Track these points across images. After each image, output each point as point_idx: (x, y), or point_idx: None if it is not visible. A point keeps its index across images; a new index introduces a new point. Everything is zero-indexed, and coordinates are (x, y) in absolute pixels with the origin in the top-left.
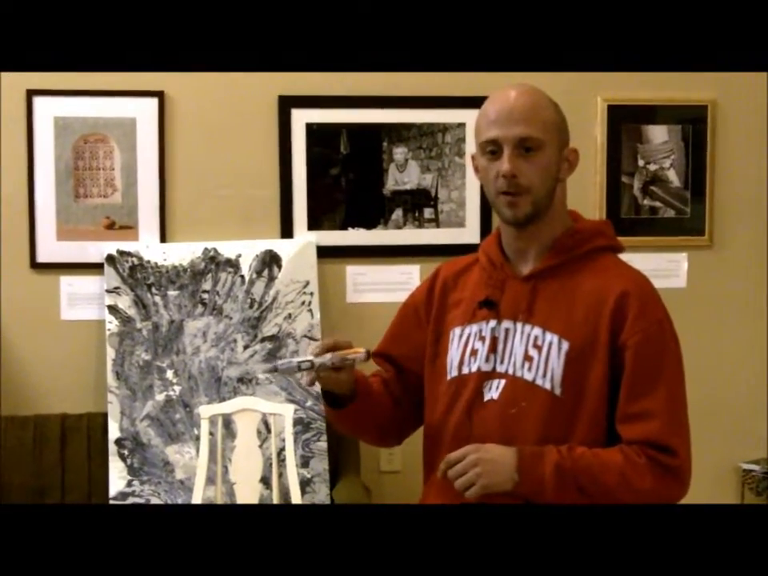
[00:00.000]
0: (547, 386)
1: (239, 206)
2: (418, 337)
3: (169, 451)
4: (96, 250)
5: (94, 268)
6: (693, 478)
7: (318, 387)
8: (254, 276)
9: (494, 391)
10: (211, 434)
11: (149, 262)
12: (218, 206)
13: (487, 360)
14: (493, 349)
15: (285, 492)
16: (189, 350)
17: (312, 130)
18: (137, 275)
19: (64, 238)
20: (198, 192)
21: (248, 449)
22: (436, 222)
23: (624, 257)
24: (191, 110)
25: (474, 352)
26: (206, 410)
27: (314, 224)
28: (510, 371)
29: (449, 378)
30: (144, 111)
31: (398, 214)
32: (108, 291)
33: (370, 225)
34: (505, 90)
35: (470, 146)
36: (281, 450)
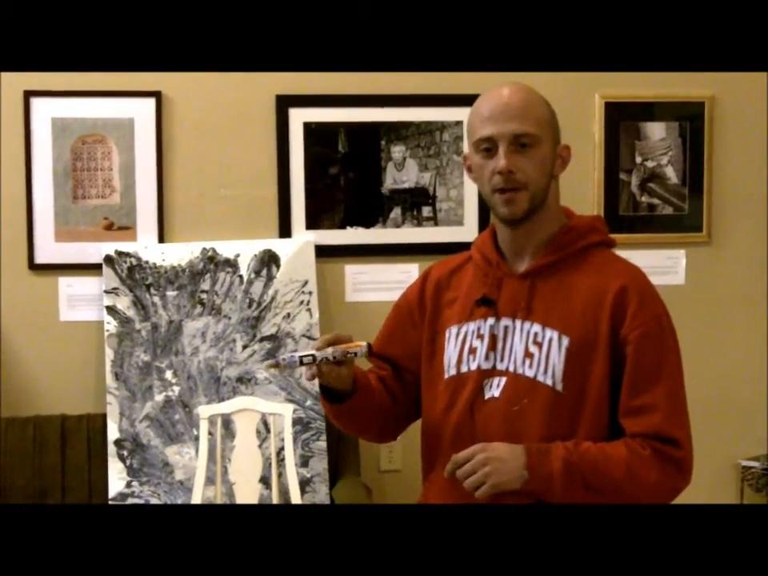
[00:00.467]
0: (549, 382)
1: (237, 206)
2: (412, 337)
3: (168, 452)
4: (94, 251)
5: (93, 269)
6: (693, 474)
7: (317, 388)
8: (253, 276)
9: (494, 389)
10: (210, 434)
11: (147, 262)
12: (217, 205)
13: (487, 358)
14: (492, 347)
15: (284, 492)
16: (188, 351)
17: (310, 129)
18: (135, 276)
19: (62, 239)
20: (197, 192)
21: (247, 449)
22: (434, 220)
23: (622, 254)
24: (189, 110)
25: (472, 350)
26: (205, 410)
27: (312, 223)
28: (511, 369)
29: (446, 376)
30: (142, 112)
31: (396, 212)
32: (107, 292)
33: (368, 224)
34: (497, 88)
35: (467, 143)
36: (280, 450)
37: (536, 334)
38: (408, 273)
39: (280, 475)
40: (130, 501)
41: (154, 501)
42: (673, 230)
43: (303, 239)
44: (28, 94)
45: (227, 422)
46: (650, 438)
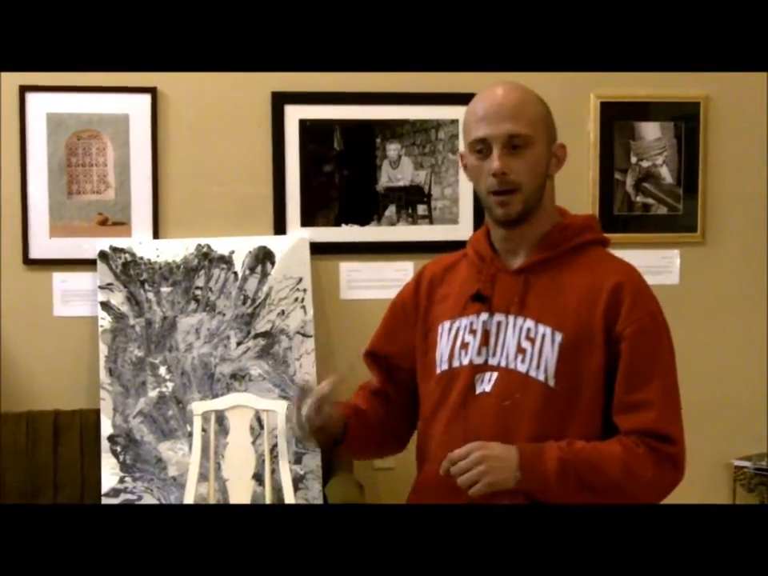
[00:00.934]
0: (541, 377)
1: (232, 203)
2: (406, 335)
3: (161, 448)
4: (89, 247)
5: (87, 264)
6: (686, 474)
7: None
8: (248, 272)
9: (486, 384)
10: (204, 430)
11: (142, 258)
12: (211, 202)
13: (479, 353)
14: (485, 342)
15: (277, 489)
16: (182, 347)
17: (305, 126)
18: (130, 271)
19: (57, 235)
20: (191, 188)
21: (241, 445)
22: (429, 218)
23: (617, 253)
24: (184, 106)
25: (464, 345)
26: (198, 407)
27: (307, 220)
28: (503, 364)
29: (438, 371)
30: (137, 107)
31: (391, 210)
32: (101, 288)
33: (363, 221)
34: (491, 88)
35: (463, 143)
36: (273, 447)
37: (529, 330)
38: (403, 271)
39: (273, 472)
40: (123, 496)
41: (146, 497)
42: (667, 229)
43: (298, 236)
44: (23, 89)
45: (221, 418)
46: (644, 435)
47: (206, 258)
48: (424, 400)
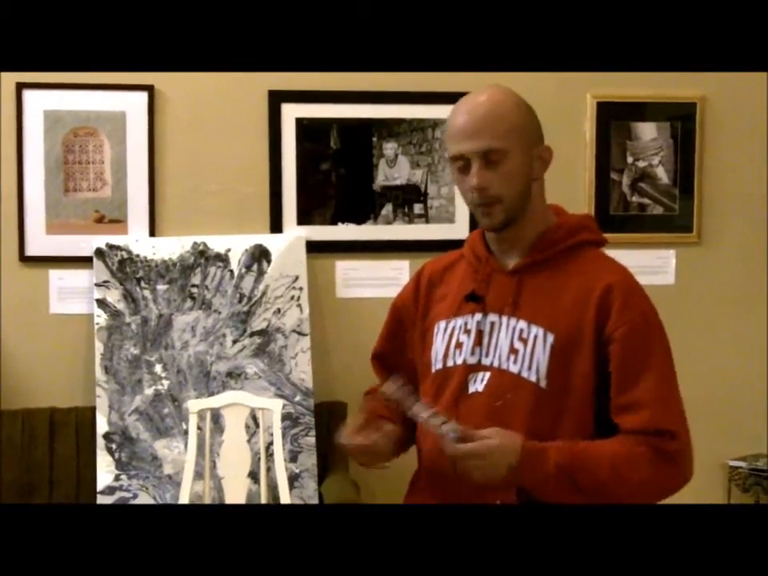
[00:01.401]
0: (533, 378)
1: (229, 201)
2: (407, 335)
3: (157, 446)
4: (85, 244)
5: (84, 262)
6: None
7: (307, 383)
8: (244, 270)
9: (479, 383)
10: (200, 428)
11: (138, 255)
12: (208, 200)
13: (472, 353)
14: (478, 342)
15: (273, 487)
16: (178, 345)
17: (302, 125)
18: (126, 269)
19: (53, 232)
20: (188, 186)
21: (236, 443)
22: (426, 217)
23: (612, 253)
24: (181, 104)
25: (459, 345)
26: (194, 405)
27: (303, 219)
28: (496, 364)
29: (434, 370)
30: (134, 105)
31: (387, 209)
32: (97, 285)
33: (359, 220)
34: (467, 99)
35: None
36: (269, 445)
37: (522, 330)
38: (399, 270)
39: (269, 470)
40: (118, 494)
41: (142, 495)
42: (663, 230)
43: (294, 235)
44: (20, 86)
45: (216, 416)
46: (646, 433)
47: (203, 256)
48: (422, 398)
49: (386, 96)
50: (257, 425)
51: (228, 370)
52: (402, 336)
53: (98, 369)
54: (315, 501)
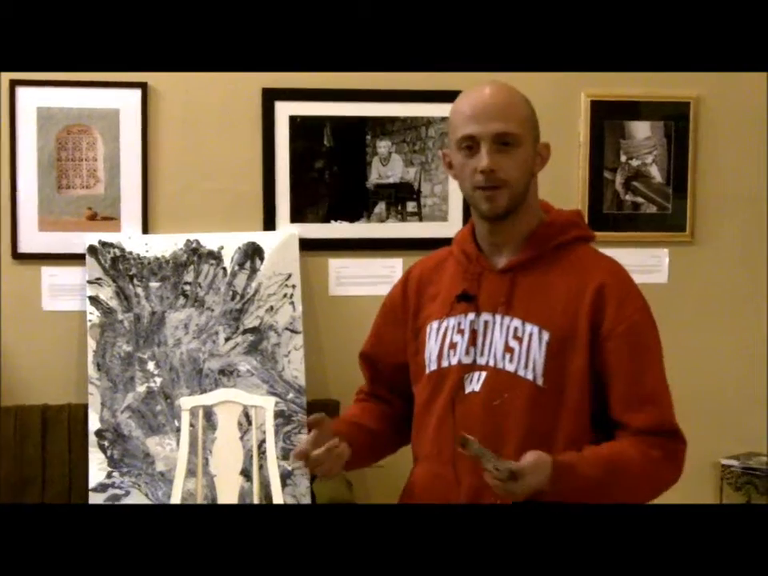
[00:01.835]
0: (529, 376)
1: (222, 198)
2: (397, 335)
3: (149, 443)
4: (78, 241)
5: (76, 259)
6: None
7: (300, 381)
8: (237, 268)
9: (475, 383)
10: (192, 425)
11: (131, 253)
12: (201, 197)
13: (467, 353)
14: (473, 341)
15: (265, 485)
16: (170, 342)
17: (296, 122)
18: (119, 266)
19: (46, 229)
20: (181, 183)
21: (229, 441)
22: (419, 215)
23: (606, 252)
24: (175, 101)
25: (452, 345)
26: (186, 402)
27: (297, 216)
28: (491, 363)
29: (428, 371)
30: (127, 102)
31: (381, 207)
32: (90, 282)
33: (353, 218)
34: (478, 87)
35: (450, 140)
36: (261, 443)
37: (516, 329)
38: (391, 268)
39: (261, 468)
40: (111, 491)
41: (134, 492)
42: (656, 228)
43: (287, 232)
44: (14, 83)
45: (209, 413)
46: (658, 433)
47: (195, 254)
48: (416, 399)
49: (379, 94)
50: (249, 422)
51: (221, 368)
52: (391, 336)
53: (90, 366)
54: (308, 499)
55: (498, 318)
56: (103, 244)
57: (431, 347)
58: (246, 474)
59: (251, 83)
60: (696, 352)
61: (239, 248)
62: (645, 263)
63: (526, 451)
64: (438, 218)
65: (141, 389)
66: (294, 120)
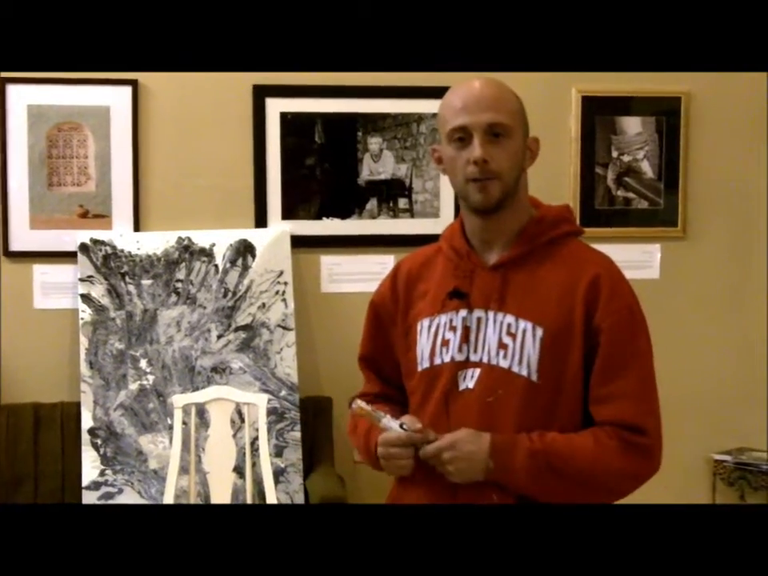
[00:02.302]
0: (524, 372)
1: (213, 195)
2: (388, 334)
3: (142, 441)
4: (69, 239)
5: (68, 257)
6: (666, 469)
7: (293, 378)
8: (228, 265)
9: (469, 380)
10: (185, 423)
11: (122, 250)
12: (192, 195)
13: (460, 350)
14: (465, 338)
15: (258, 482)
16: (162, 340)
17: (287, 119)
18: (110, 264)
19: (37, 227)
20: (173, 181)
21: (222, 438)
22: (411, 212)
23: (598, 247)
24: (165, 98)
25: (445, 342)
26: (179, 400)
27: (288, 213)
28: (485, 360)
29: (420, 369)
30: (118, 100)
31: (372, 204)
32: (81, 280)
33: (344, 215)
34: (467, 81)
35: (441, 133)
36: (254, 440)
37: (509, 325)
38: (383, 264)
39: (254, 465)
40: (104, 489)
41: (127, 489)
42: (648, 224)
43: (279, 229)
44: (4, 81)
45: (201, 411)
46: (618, 426)
47: (187, 251)
48: (409, 397)
49: (370, 91)
50: (242, 420)
51: (213, 365)
52: (384, 334)
53: (82, 364)
54: (301, 495)
55: (491, 314)
56: (95, 242)
57: (423, 344)
58: (238, 471)
59: (242, 80)
60: (688, 347)
61: (231, 245)
62: (636, 259)
63: None
64: (429, 214)
65: (133, 387)
66: (285, 117)
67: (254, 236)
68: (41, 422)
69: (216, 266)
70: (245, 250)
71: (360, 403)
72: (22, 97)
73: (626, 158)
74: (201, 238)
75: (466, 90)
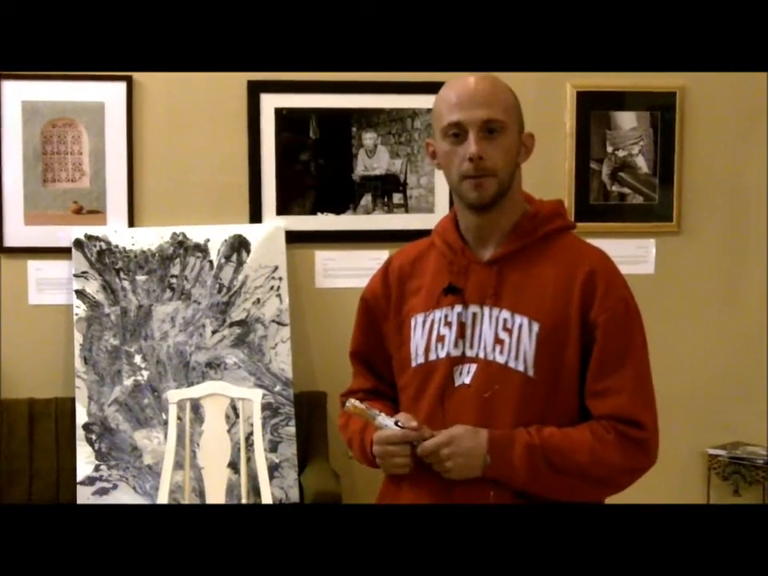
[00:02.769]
0: (520, 368)
1: (208, 191)
2: (380, 329)
3: (137, 436)
4: (64, 235)
5: (62, 253)
6: (661, 463)
7: (287, 373)
8: (223, 261)
9: (465, 376)
10: (179, 418)
11: (117, 246)
12: (187, 190)
13: (456, 345)
14: (461, 334)
15: (253, 477)
16: (157, 335)
17: (281, 115)
18: (105, 260)
19: (32, 223)
20: (167, 176)
21: (216, 434)
22: (405, 207)
23: (593, 242)
24: (160, 94)
25: (440, 338)
26: (174, 395)
27: (283, 209)
28: (481, 355)
29: (414, 365)
30: (112, 96)
31: (367, 199)
32: (76, 276)
33: (339, 210)
34: (462, 77)
35: (435, 129)
36: (249, 435)
37: (505, 321)
38: (378, 259)
39: (249, 460)
40: (98, 484)
41: (122, 485)
42: (643, 219)
43: (274, 225)
44: None
45: (196, 406)
46: (615, 420)
47: (182, 247)
48: (401, 393)
49: (365, 86)
50: (237, 415)
51: (208, 361)
52: (376, 329)
53: (77, 360)
54: (295, 491)
55: (487, 309)
56: (89, 237)
57: (417, 340)
58: (233, 466)
59: (237, 76)
60: (683, 342)
61: (225, 241)
62: (631, 254)
63: None
64: (424, 209)
65: (128, 382)
66: (279, 112)
67: (249, 231)
68: (35, 417)
69: (210, 261)
70: (239, 245)
71: (353, 401)
72: (17, 93)
73: (620, 153)
74: (195, 233)
75: (461, 86)
